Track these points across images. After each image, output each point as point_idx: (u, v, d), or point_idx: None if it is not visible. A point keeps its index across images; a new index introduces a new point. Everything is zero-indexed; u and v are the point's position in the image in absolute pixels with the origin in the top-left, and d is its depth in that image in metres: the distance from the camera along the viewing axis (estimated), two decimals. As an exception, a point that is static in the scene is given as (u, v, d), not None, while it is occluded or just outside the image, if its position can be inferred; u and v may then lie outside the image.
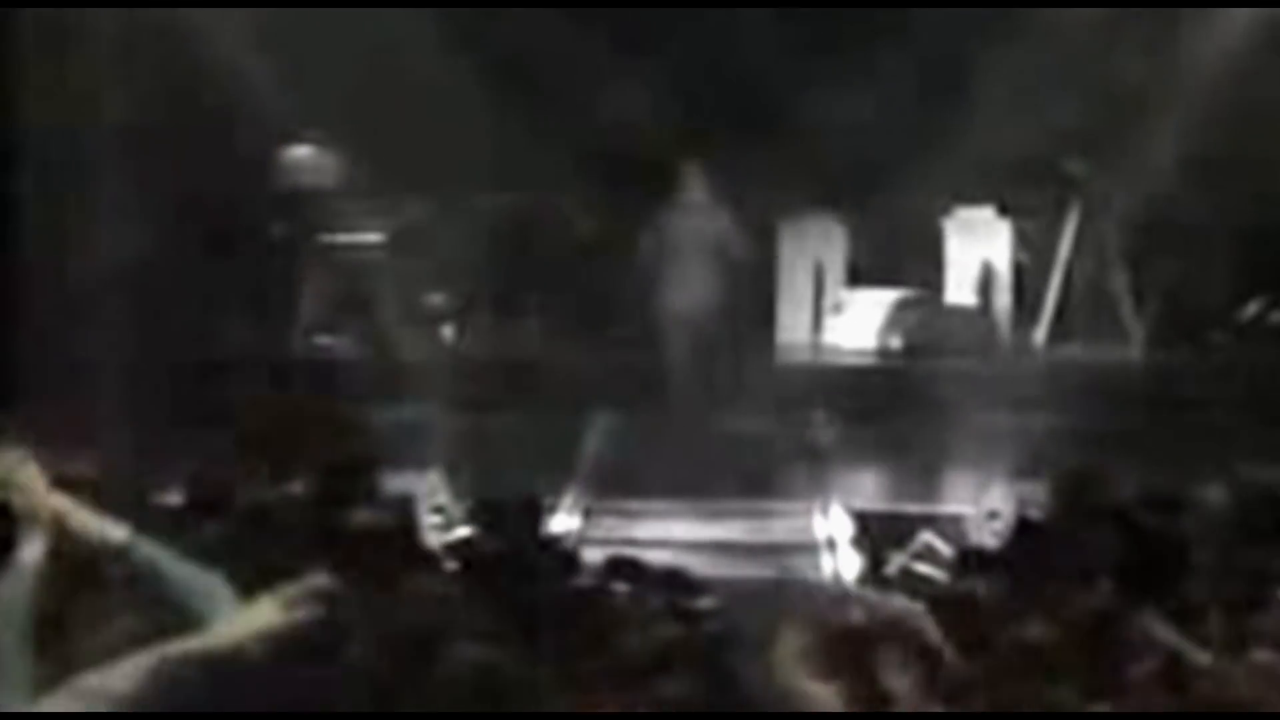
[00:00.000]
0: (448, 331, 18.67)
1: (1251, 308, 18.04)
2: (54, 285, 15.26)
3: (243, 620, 4.22)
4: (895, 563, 12.33)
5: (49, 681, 4.23)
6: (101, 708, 4.00)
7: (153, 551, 4.66)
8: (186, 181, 16.14)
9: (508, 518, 9.93)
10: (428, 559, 9.25)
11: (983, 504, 13.11)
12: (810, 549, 13.53)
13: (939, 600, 6.53)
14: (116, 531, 4.68)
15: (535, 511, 10.27)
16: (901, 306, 18.11)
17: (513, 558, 8.98)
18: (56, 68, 15.37)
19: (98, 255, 15.60)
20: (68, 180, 15.41)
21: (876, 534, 13.03)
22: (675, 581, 8.98)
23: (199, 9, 16.21)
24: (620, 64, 18.08)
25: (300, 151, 18.32)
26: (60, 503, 4.69)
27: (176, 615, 4.51)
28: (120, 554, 4.64)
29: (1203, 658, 5.71)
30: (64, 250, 15.38)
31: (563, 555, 9.93)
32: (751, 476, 15.29)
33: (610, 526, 13.77)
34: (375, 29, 17.18)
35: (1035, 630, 6.42)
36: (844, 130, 17.37)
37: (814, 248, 18.54)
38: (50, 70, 15.37)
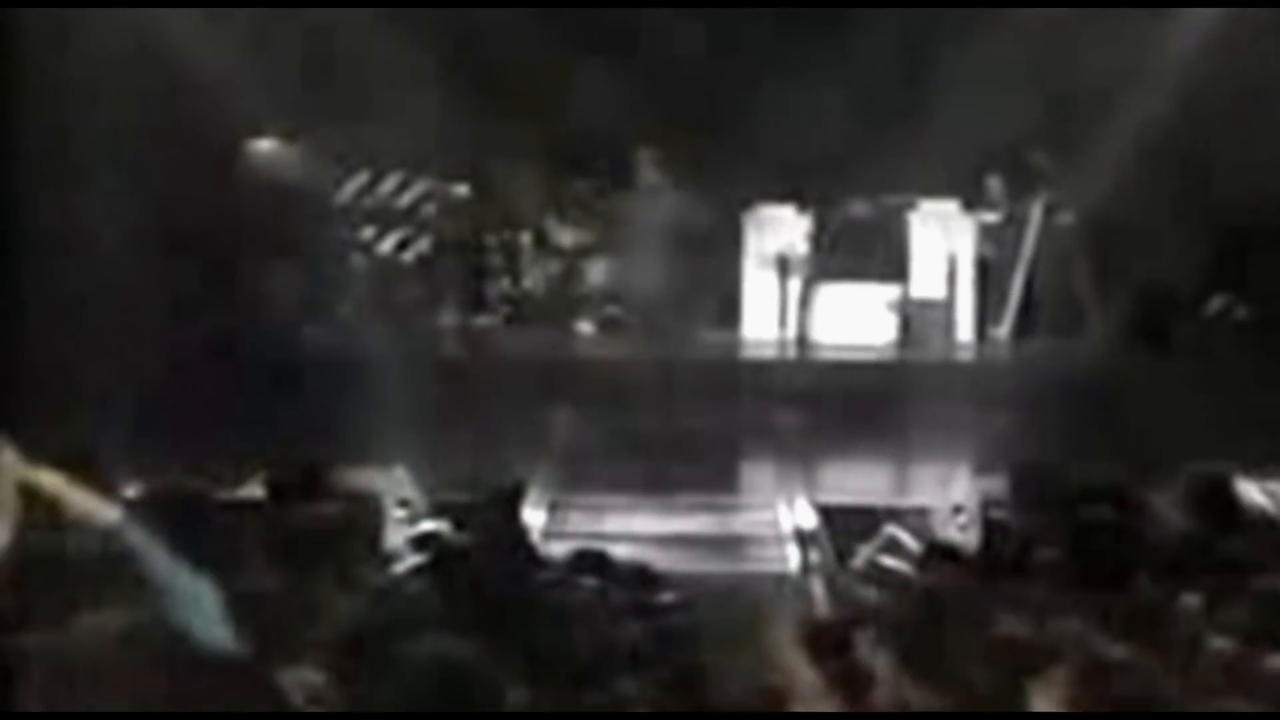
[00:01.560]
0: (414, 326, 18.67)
1: (1216, 303, 18.12)
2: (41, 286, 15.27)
3: None
4: (860, 556, 12.37)
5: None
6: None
7: (145, 541, 4.63)
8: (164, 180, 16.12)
9: (491, 507, 9.92)
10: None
11: (948, 498, 13.15)
12: (776, 543, 13.56)
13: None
14: (110, 512, 4.66)
15: (517, 499, 10.23)
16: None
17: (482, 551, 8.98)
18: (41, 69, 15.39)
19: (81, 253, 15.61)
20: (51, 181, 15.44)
21: (842, 527, 13.06)
22: (640, 576, 8.99)
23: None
24: (586, 55, 18.08)
25: (267, 145, 18.32)
26: (53, 480, 4.67)
27: (155, 609, 4.49)
28: (110, 535, 4.61)
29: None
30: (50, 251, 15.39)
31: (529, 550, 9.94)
32: (717, 471, 15.31)
33: (576, 521, 13.78)
34: (334, 20, 17.22)
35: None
36: (810, 124, 17.40)
37: (780, 242, 18.55)
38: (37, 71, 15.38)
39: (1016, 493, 9.83)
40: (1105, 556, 7.16)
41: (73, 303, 15.39)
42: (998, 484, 11.43)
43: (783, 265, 18.39)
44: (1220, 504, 8.32)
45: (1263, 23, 16.72)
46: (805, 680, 5.16)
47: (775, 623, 5.53)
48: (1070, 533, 7.67)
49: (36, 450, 4.84)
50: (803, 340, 18.19)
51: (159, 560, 4.63)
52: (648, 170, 18.27)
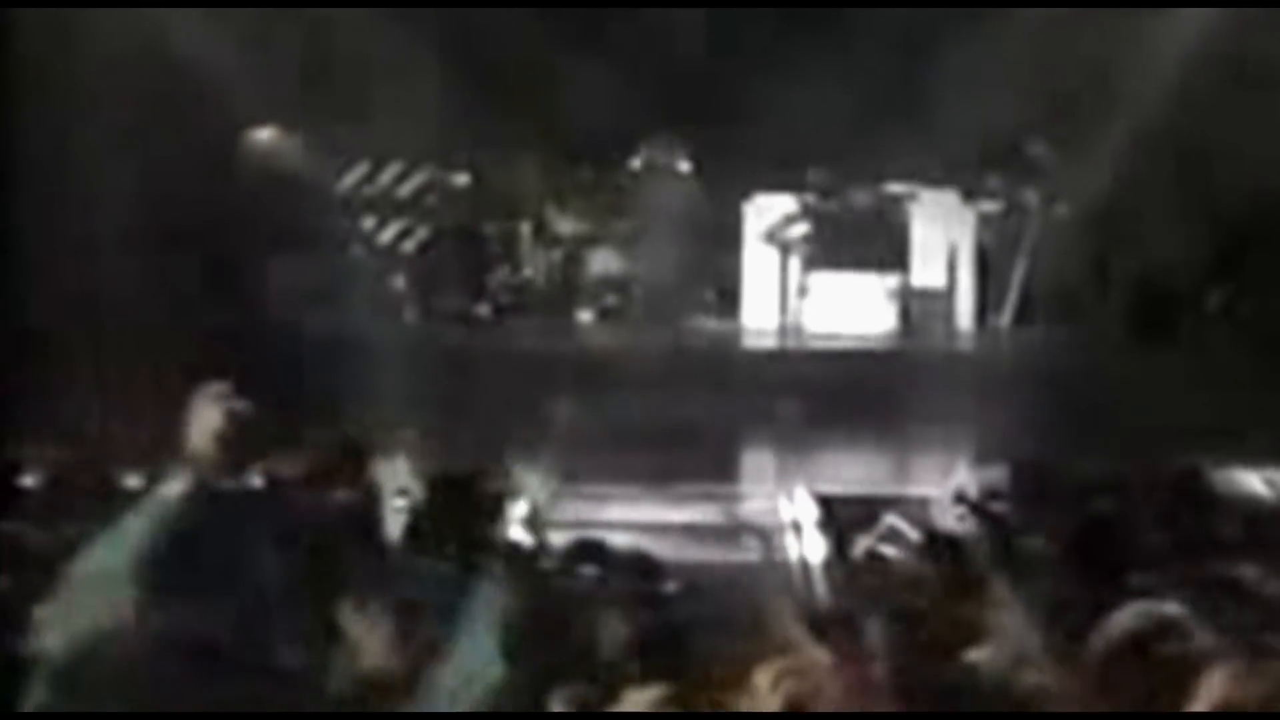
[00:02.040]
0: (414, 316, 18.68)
1: (1217, 294, 18.11)
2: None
3: None
4: (860, 545, 12.39)
5: None
6: None
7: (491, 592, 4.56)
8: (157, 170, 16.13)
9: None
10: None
11: (948, 487, 13.17)
12: (776, 532, 13.58)
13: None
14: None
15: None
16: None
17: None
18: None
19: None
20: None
21: (842, 517, 13.07)
22: (641, 565, 9.00)
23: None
24: (586, 44, 18.07)
25: (267, 136, 18.32)
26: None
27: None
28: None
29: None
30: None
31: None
32: (717, 460, 15.33)
33: (576, 509, 13.79)
34: (334, 12, 17.25)
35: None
36: (811, 114, 17.40)
37: (780, 232, 18.56)
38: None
39: (1017, 486, 9.86)
40: (1106, 549, 7.18)
41: (77, 295, 15.41)
42: (997, 475, 11.46)
43: (783, 254, 18.40)
44: (1200, 494, 8.35)
45: (1264, 15, 16.72)
46: (811, 657, 5.18)
47: (777, 605, 5.55)
48: (1071, 526, 7.69)
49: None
50: (802, 329, 18.21)
51: (485, 617, 4.52)
52: (649, 158, 18.28)
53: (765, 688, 4.82)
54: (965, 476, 13.12)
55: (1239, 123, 16.69)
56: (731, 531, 13.75)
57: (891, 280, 18.41)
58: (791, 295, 18.40)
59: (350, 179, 18.93)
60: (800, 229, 18.43)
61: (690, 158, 18.47)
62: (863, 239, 18.57)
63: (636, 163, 18.57)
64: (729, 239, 18.47)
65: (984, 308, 18.48)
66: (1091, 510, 7.82)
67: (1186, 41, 17.11)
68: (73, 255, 15.53)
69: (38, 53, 15.45)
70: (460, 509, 9.41)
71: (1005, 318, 18.45)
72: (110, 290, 15.60)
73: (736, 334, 18.42)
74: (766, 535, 13.53)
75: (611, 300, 18.72)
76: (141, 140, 15.82)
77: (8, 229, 15.36)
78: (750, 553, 13.22)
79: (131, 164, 15.76)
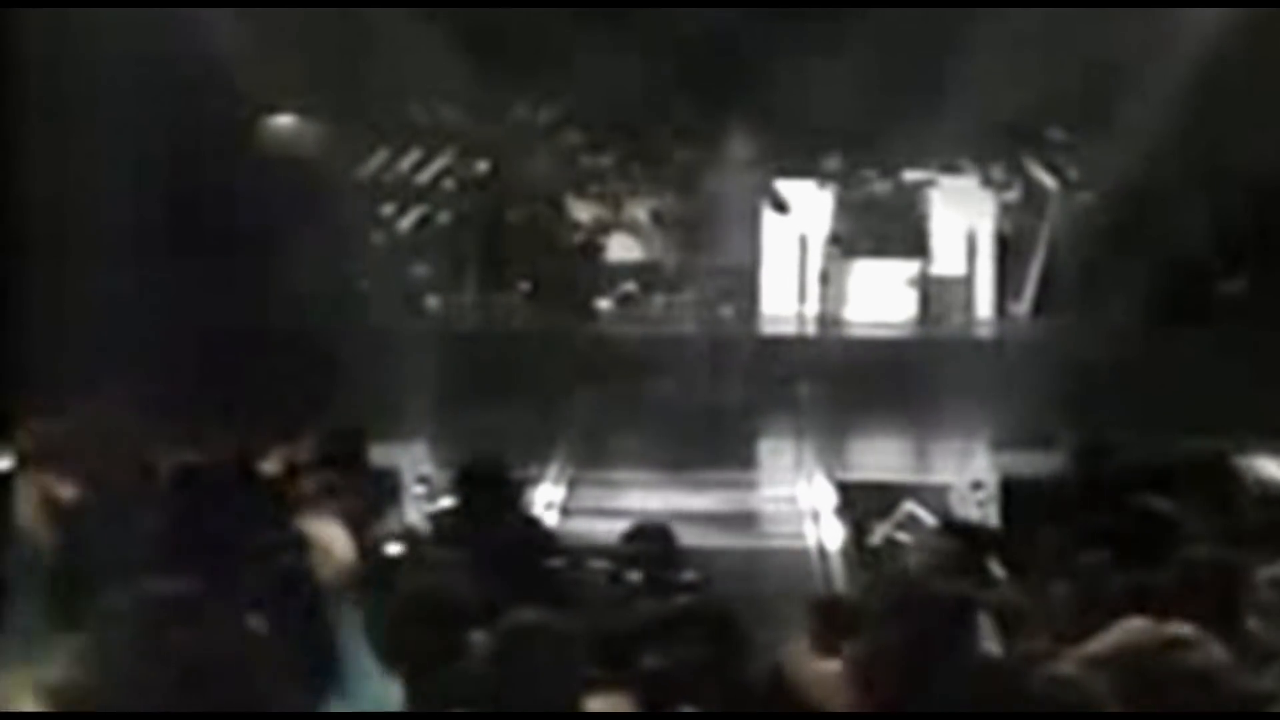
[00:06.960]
0: (434, 303, 18.68)
1: (1236, 278, 18.06)
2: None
3: None
4: (879, 533, 12.37)
5: None
6: None
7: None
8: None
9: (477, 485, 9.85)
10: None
11: (966, 474, 13.14)
12: (794, 519, 13.56)
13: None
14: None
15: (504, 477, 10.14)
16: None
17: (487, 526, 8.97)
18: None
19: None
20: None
21: (860, 504, 13.05)
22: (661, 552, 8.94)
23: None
24: (609, 30, 18.07)
25: (284, 121, 18.31)
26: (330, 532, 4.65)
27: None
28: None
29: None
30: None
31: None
32: (736, 447, 15.31)
33: (594, 497, 13.79)
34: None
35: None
36: (832, 100, 17.38)
37: (800, 218, 18.54)
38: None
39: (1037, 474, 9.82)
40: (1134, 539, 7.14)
41: (90, 283, 15.40)
42: (1017, 462, 11.42)
43: (803, 241, 18.37)
44: (1220, 480, 8.29)
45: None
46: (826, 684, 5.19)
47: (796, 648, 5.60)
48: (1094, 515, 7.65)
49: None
50: (822, 316, 18.18)
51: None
52: (670, 146, 18.26)
53: None
54: (985, 463, 13.09)
55: (1261, 105, 16.63)
56: (750, 518, 13.73)
57: (912, 267, 18.39)
58: (810, 282, 18.37)
59: (372, 164, 18.92)
60: (819, 216, 18.41)
61: (710, 145, 18.46)
62: (883, 226, 18.55)
63: (656, 149, 18.55)
64: (748, 226, 18.44)
65: (1004, 294, 18.45)
66: (1117, 498, 7.77)
67: (1208, 21, 17.05)
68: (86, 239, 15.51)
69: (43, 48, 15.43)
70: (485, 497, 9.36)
71: (1025, 304, 18.42)
72: (125, 275, 15.57)
73: (756, 321, 18.40)
74: (785, 522, 13.52)
75: (630, 287, 18.69)
76: (155, 123, 15.80)
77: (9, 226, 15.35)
78: (769, 539, 13.21)
79: (145, 147, 15.74)
